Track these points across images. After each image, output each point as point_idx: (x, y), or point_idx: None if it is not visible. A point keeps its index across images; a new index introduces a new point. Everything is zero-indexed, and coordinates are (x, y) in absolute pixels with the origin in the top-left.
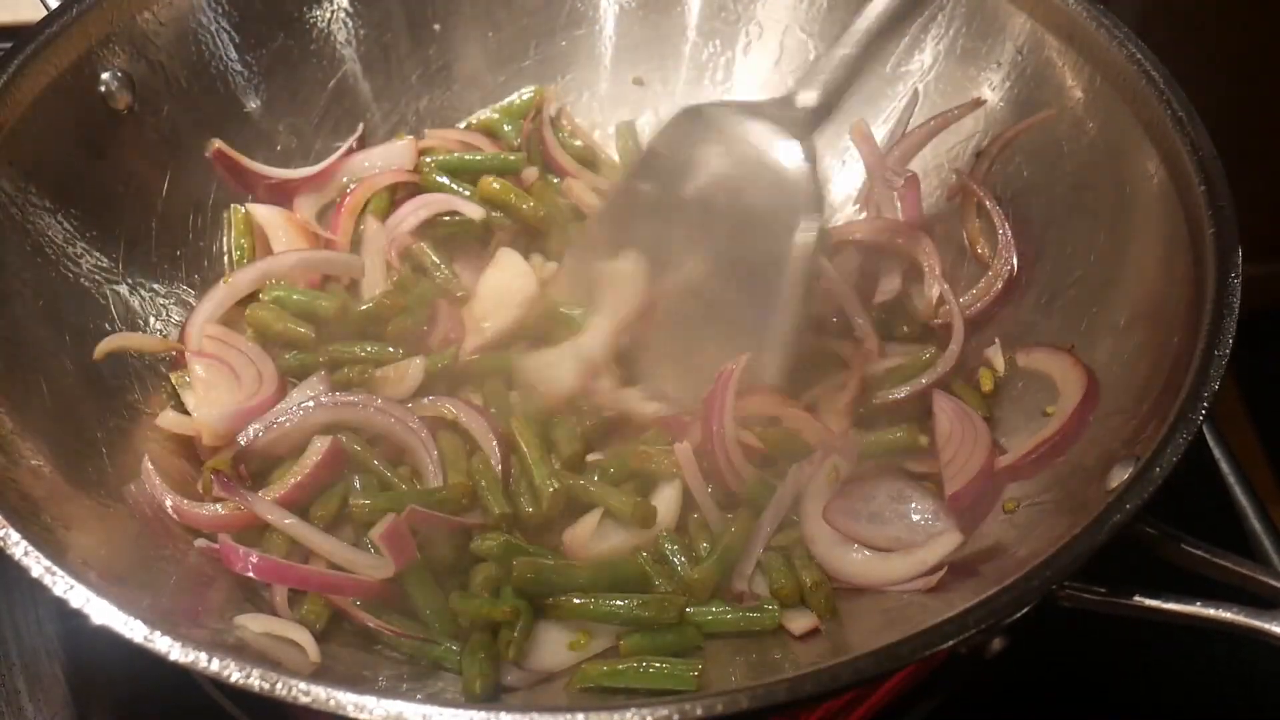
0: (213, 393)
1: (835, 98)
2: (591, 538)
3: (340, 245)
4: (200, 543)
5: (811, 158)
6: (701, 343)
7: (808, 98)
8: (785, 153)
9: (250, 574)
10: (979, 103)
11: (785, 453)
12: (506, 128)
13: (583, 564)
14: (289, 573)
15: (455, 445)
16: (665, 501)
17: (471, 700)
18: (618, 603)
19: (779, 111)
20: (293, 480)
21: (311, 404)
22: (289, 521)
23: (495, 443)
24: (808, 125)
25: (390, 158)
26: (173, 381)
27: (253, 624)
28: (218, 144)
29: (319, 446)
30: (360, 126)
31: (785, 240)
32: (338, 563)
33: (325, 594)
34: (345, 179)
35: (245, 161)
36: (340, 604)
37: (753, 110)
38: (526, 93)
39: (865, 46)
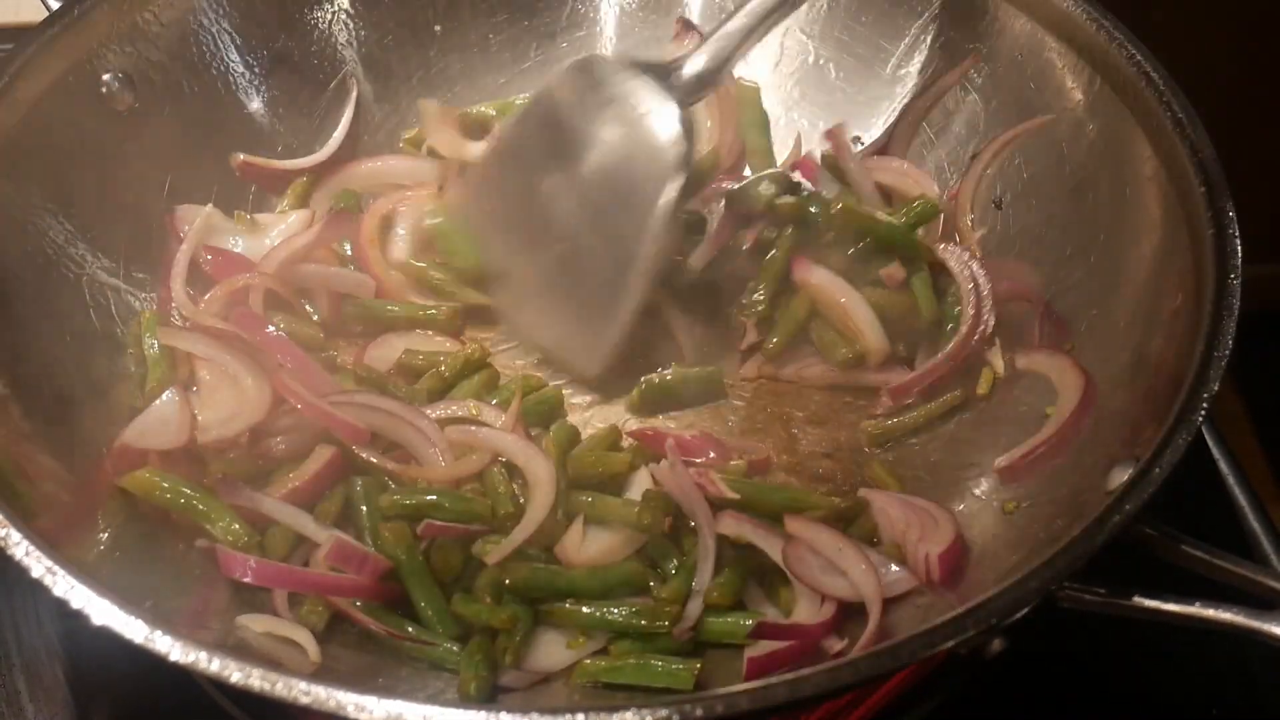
0: (215, 395)
1: (720, 65)
2: (581, 545)
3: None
4: (201, 543)
5: (687, 122)
6: (563, 296)
7: (695, 64)
8: (663, 115)
9: (249, 579)
10: (977, 60)
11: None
12: None
13: (578, 569)
14: (288, 576)
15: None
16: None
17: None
18: (612, 611)
19: (666, 74)
20: (293, 484)
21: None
22: (298, 518)
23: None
24: (689, 90)
25: (414, 173)
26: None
27: (254, 624)
28: (242, 157)
29: (323, 455)
30: (355, 90)
31: (651, 203)
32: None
33: (325, 596)
34: (369, 196)
35: (274, 163)
36: (341, 605)
37: (641, 69)
38: (527, 95)
39: (760, 18)
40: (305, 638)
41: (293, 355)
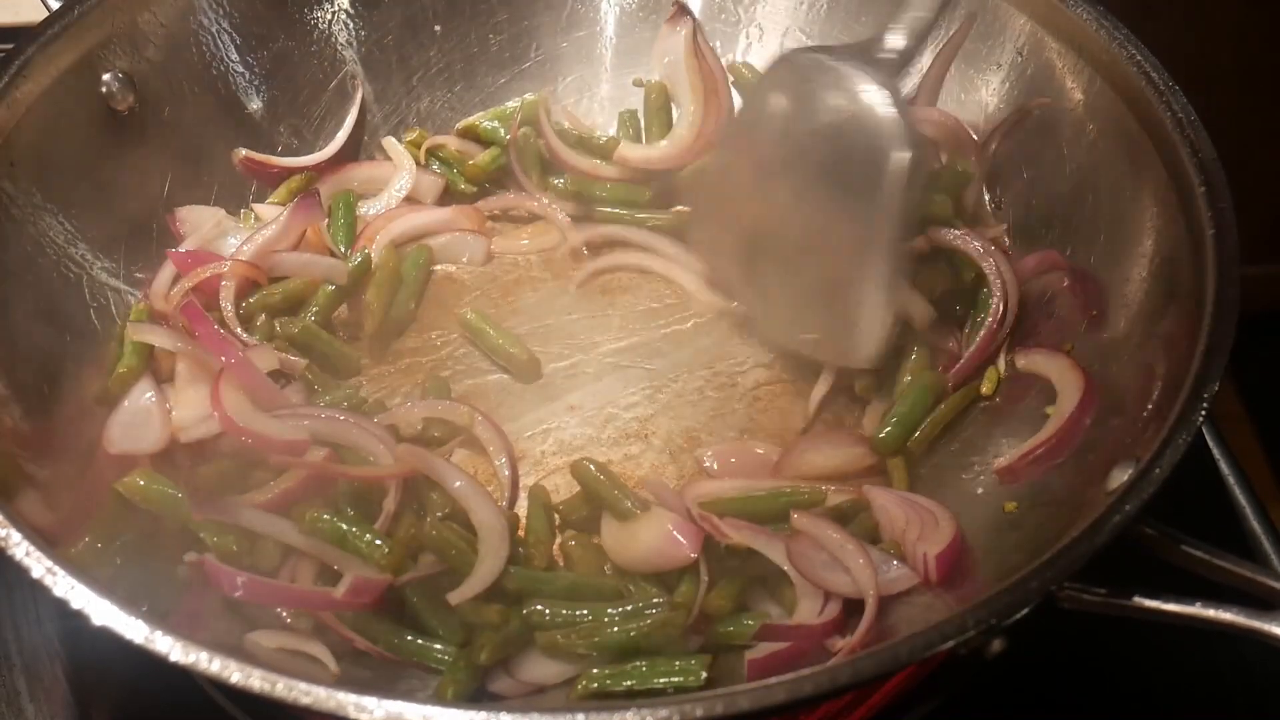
0: (190, 392)
1: (920, 39)
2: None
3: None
4: (189, 556)
5: (900, 100)
6: (802, 283)
7: (894, 41)
8: (875, 97)
9: (239, 595)
10: (973, 19)
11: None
12: (504, 132)
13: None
14: (280, 593)
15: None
16: None
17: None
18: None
19: (867, 55)
20: (279, 488)
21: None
22: (275, 525)
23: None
24: (895, 67)
25: (417, 190)
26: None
27: (266, 640)
28: (244, 153)
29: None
30: (360, 92)
31: (880, 178)
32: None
33: (317, 611)
34: (368, 209)
35: (275, 160)
36: (324, 619)
37: (843, 56)
38: (525, 98)
39: None
40: (322, 652)
41: (236, 357)
